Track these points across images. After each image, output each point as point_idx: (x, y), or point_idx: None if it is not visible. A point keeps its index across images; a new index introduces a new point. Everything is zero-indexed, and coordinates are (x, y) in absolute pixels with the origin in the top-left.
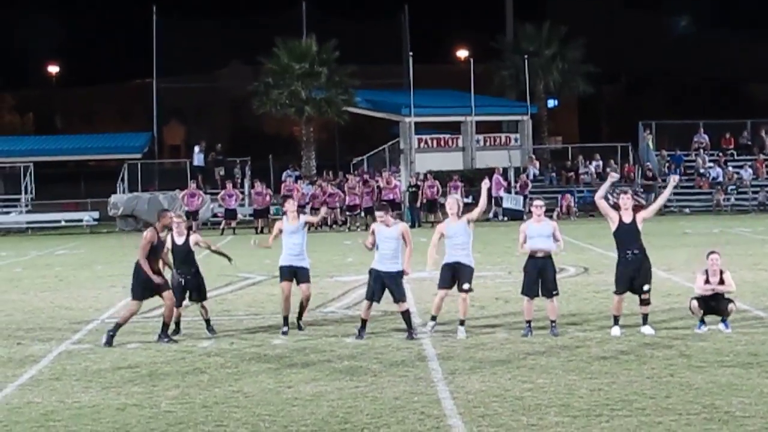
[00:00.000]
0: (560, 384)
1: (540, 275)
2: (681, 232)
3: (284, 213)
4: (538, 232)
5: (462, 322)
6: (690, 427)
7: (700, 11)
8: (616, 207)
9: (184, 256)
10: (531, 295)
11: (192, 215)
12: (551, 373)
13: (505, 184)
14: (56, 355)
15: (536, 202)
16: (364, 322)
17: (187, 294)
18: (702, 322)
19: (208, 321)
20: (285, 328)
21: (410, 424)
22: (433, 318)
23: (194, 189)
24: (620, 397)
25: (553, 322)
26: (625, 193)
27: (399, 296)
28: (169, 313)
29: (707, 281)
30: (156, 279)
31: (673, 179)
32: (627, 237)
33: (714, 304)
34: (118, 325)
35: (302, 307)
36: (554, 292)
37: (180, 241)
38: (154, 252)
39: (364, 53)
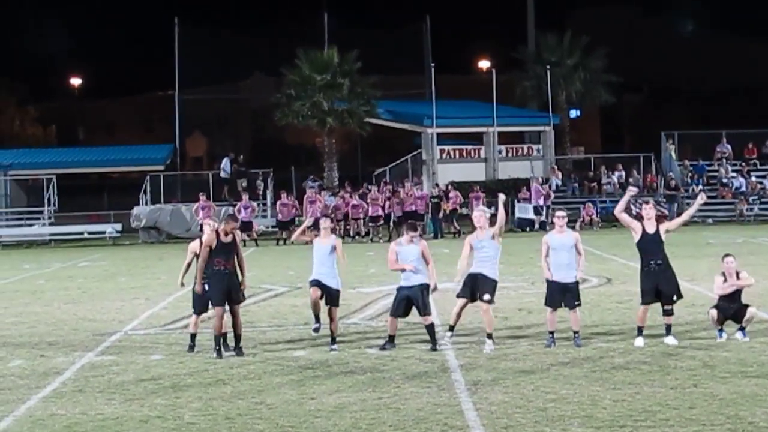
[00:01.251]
0: (583, 395)
1: (562, 287)
2: (704, 242)
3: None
4: (561, 243)
5: (489, 335)
6: None
7: (720, 18)
8: (638, 217)
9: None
10: (554, 306)
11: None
12: (574, 383)
13: (544, 192)
14: (79, 367)
15: (558, 213)
16: (391, 337)
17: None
18: (721, 330)
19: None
20: (317, 325)
21: None
22: (451, 328)
23: (204, 201)
24: (644, 408)
25: (576, 332)
26: (647, 203)
27: (424, 310)
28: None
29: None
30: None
31: (701, 197)
32: (650, 247)
33: (733, 310)
34: (216, 337)
35: (332, 332)
36: (576, 303)
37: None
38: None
39: (385, 64)
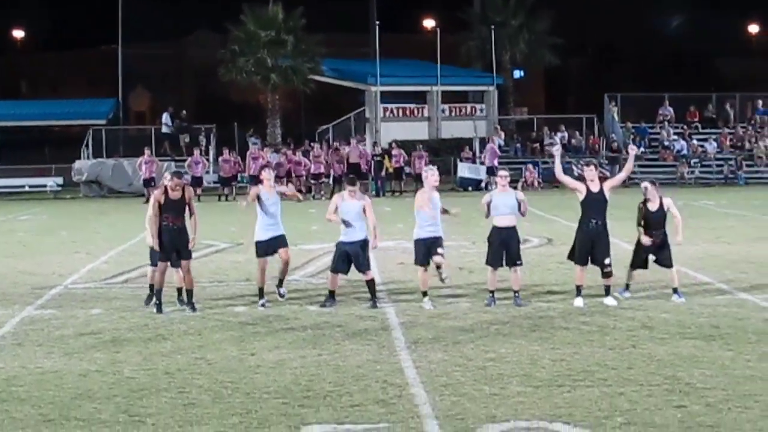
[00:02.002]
0: (523, 354)
1: (504, 246)
2: None
3: (260, 182)
4: (503, 202)
5: (425, 294)
6: (651, 398)
7: None
8: (581, 179)
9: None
10: (495, 265)
11: (148, 183)
12: (514, 343)
13: (499, 153)
14: (18, 320)
15: (501, 173)
16: (332, 293)
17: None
18: (627, 287)
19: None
20: (263, 300)
21: (372, 392)
22: (424, 294)
23: (149, 156)
24: (582, 367)
25: (516, 292)
26: (589, 165)
27: (364, 266)
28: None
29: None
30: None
31: (632, 149)
32: (594, 206)
33: (658, 252)
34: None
35: (282, 273)
36: (518, 263)
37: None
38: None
39: (331, 22)
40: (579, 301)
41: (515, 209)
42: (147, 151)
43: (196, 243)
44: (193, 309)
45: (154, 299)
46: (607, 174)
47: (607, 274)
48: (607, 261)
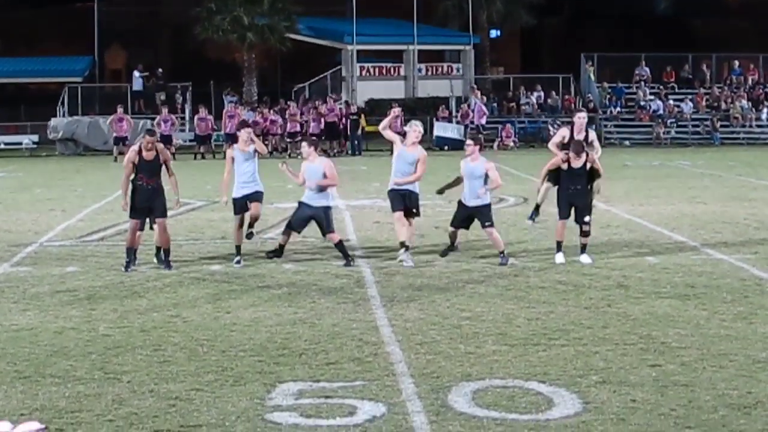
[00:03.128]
0: (498, 313)
1: (470, 214)
2: (621, 164)
3: (235, 141)
4: (471, 171)
5: (403, 245)
6: (626, 358)
7: None
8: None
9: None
10: (457, 226)
11: (120, 140)
12: (489, 302)
13: (487, 112)
14: None
15: (468, 141)
16: (282, 247)
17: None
18: (559, 248)
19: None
20: (238, 258)
21: (348, 350)
22: (403, 245)
23: (122, 114)
24: (558, 326)
25: (502, 253)
26: (580, 111)
27: (328, 228)
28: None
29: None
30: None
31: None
32: (575, 178)
33: (575, 199)
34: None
35: (250, 224)
36: (488, 223)
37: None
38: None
39: None
40: (560, 257)
41: (482, 179)
42: (120, 109)
43: (180, 204)
44: (169, 267)
45: (126, 257)
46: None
47: (585, 233)
48: (587, 219)
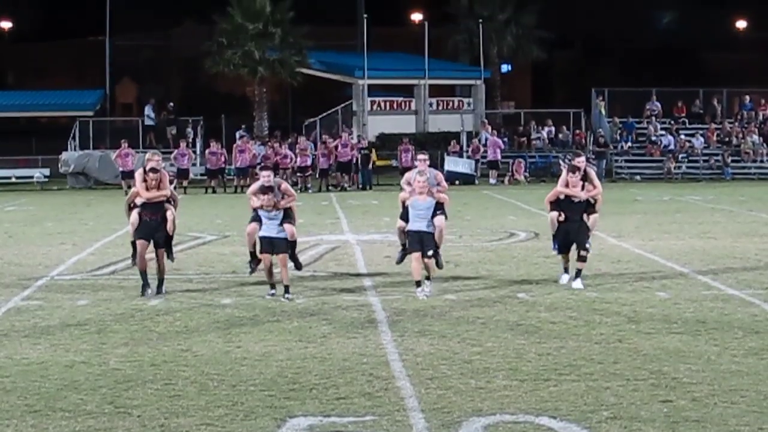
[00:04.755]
0: (509, 348)
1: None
2: (632, 199)
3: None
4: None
5: (428, 278)
6: (637, 393)
7: None
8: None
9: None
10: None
11: (127, 175)
12: (500, 336)
13: (502, 145)
14: (5, 311)
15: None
16: (259, 261)
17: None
18: (565, 271)
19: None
20: (272, 290)
21: (359, 385)
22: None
23: (127, 149)
24: (568, 362)
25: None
26: (574, 172)
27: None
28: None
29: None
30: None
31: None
32: (574, 208)
33: (571, 228)
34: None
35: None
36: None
37: None
38: None
39: (318, 14)
40: (564, 278)
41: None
42: (124, 144)
43: (175, 223)
44: (160, 293)
45: (142, 279)
46: (594, 168)
47: (582, 258)
48: (587, 245)
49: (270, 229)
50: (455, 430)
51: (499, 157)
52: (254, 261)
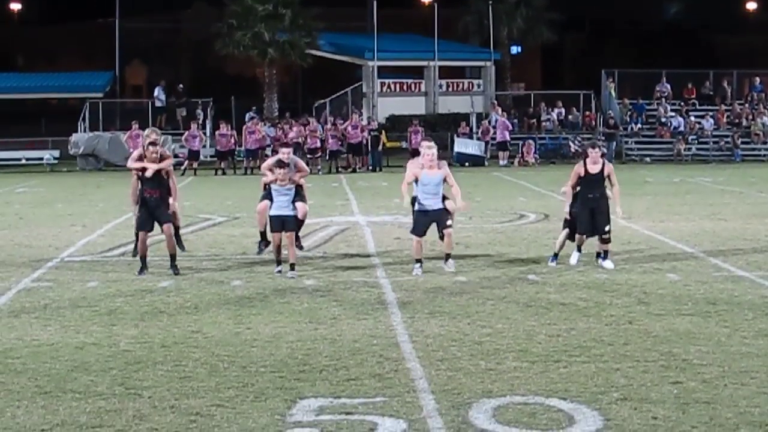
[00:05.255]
0: (519, 329)
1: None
2: (642, 180)
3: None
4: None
5: (449, 256)
6: (647, 374)
7: None
8: (583, 155)
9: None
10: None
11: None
12: (510, 318)
13: (510, 126)
14: (15, 292)
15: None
16: (268, 241)
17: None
18: (555, 256)
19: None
20: (279, 267)
21: (369, 366)
22: (418, 261)
23: (137, 130)
24: (578, 343)
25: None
26: (594, 146)
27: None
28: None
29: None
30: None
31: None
32: (593, 184)
33: (595, 217)
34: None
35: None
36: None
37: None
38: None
39: None
40: (574, 258)
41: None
42: (135, 125)
43: (175, 207)
44: (177, 272)
45: (140, 263)
46: (605, 150)
47: (605, 240)
48: (606, 228)
49: (281, 206)
50: (465, 412)
51: (508, 138)
52: (264, 242)
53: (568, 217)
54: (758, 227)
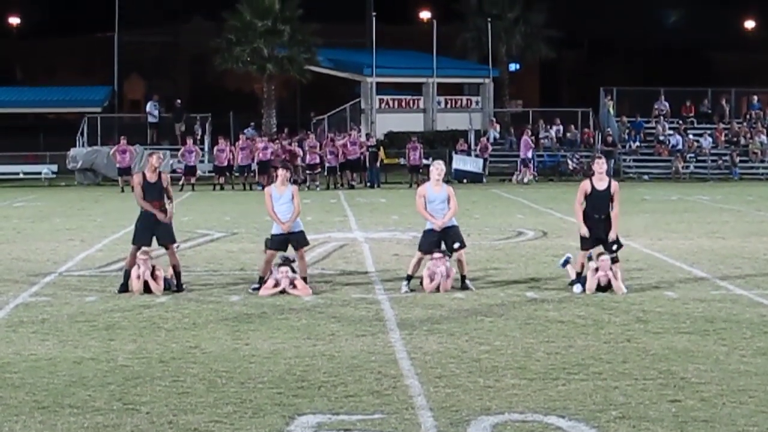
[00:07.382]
0: (517, 347)
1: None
2: (640, 198)
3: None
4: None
5: (464, 278)
6: (646, 392)
7: None
8: (587, 172)
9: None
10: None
11: (124, 172)
12: (509, 335)
13: (533, 145)
14: (13, 307)
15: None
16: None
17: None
18: (578, 281)
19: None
20: (257, 285)
21: (367, 383)
22: (409, 278)
23: (124, 145)
24: (577, 361)
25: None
26: (600, 158)
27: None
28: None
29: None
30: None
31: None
32: (598, 202)
33: (601, 229)
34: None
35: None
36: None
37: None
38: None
39: (327, 12)
40: (578, 288)
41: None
42: (123, 140)
43: (171, 219)
44: (181, 289)
45: (123, 278)
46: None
47: (613, 261)
48: (615, 247)
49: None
50: (463, 429)
51: (530, 155)
52: (260, 286)
53: (586, 235)
54: (756, 245)
